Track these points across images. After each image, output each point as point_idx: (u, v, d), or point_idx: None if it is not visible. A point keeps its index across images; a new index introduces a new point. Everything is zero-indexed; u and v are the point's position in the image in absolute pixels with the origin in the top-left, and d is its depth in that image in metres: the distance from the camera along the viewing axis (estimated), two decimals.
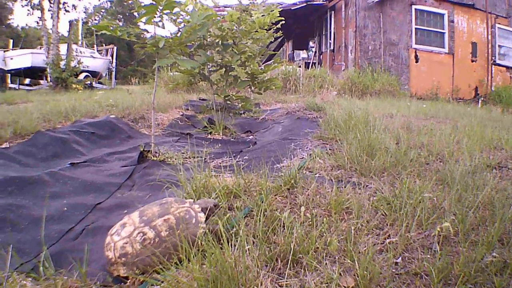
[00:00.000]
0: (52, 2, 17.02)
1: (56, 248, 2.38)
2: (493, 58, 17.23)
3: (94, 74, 20.92)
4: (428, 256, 2.11)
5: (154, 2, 3.95)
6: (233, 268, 1.80)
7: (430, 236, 2.33)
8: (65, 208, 2.97)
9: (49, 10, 17.81)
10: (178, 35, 4.62)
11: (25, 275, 2.03)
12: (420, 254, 2.14)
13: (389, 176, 3.39)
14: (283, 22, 7.35)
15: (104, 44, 28.11)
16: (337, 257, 2.08)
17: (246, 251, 2.00)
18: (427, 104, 10.71)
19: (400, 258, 2.12)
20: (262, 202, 2.55)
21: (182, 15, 6.37)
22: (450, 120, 7.34)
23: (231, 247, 2.01)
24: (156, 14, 4.10)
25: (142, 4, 4.17)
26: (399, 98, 12.84)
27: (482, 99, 15.76)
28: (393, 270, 2.01)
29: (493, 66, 17.24)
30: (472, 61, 16.87)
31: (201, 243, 2.07)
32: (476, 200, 2.69)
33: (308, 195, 2.83)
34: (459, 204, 2.65)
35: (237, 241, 2.07)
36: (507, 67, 17.75)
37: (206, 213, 2.30)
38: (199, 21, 4.67)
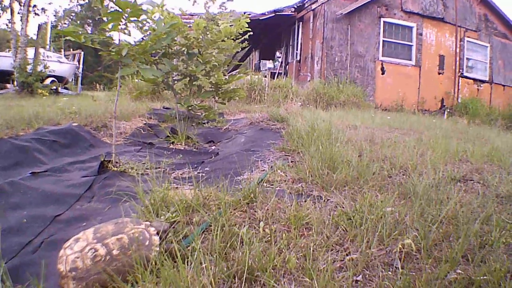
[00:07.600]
0: (22, 4, 16.67)
1: (16, 262, 2.34)
2: (461, 70, 17.66)
3: (60, 79, 20.50)
4: (390, 273, 2.08)
5: (119, 9, 3.87)
6: None
7: (391, 252, 2.29)
8: (25, 220, 2.90)
9: (18, 13, 17.43)
10: (143, 43, 4.54)
11: None
12: (381, 271, 2.10)
13: (350, 190, 3.34)
14: (251, 33, 7.33)
15: (72, 49, 27.62)
16: (295, 275, 2.03)
17: (202, 269, 1.95)
18: (392, 116, 10.85)
19: (361, 275, 2.08)
20: (221, 216, 2.49)
21: (149, 23, 6.29)
22: (415, 132, 7.41)
23: (187, 265, 1.96)
24: (122, 21, 4.03)
25: (108, 11, 4.08)
26: (364, 109, 12.98)
27: (448, 110, 16.07)
28: None
29: (460, 78, 17.65)
30: (439, 73, 17.24)
31: (155, 263, 2.01)
32: (440, 214, 2.69)
33: (268, 209, 2.77)
34: (422, 219, 2.63)
35: (193, 258, 2.01)
36: (475, 80, 18.19)
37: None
38: (164, 30, 4.61)
